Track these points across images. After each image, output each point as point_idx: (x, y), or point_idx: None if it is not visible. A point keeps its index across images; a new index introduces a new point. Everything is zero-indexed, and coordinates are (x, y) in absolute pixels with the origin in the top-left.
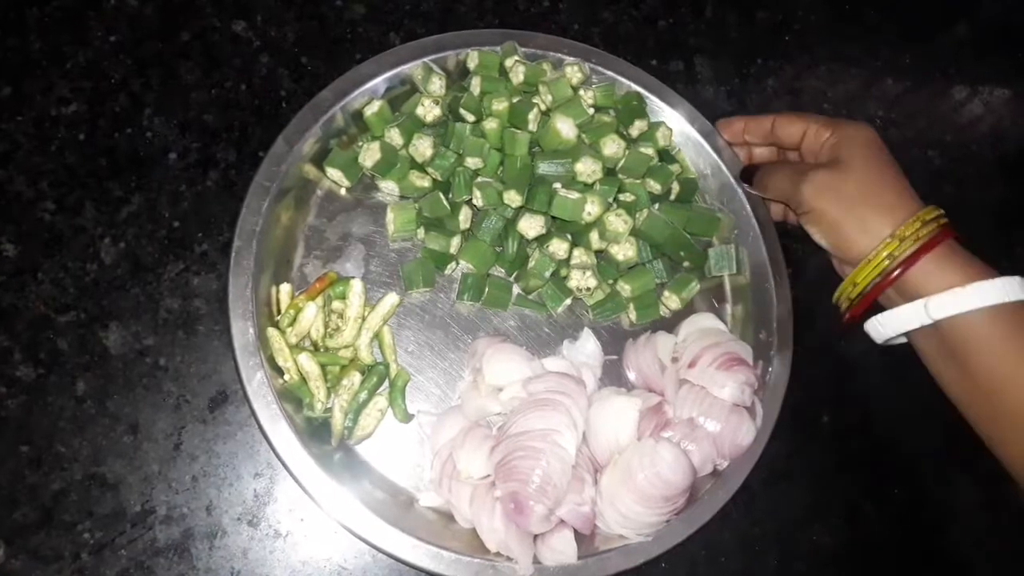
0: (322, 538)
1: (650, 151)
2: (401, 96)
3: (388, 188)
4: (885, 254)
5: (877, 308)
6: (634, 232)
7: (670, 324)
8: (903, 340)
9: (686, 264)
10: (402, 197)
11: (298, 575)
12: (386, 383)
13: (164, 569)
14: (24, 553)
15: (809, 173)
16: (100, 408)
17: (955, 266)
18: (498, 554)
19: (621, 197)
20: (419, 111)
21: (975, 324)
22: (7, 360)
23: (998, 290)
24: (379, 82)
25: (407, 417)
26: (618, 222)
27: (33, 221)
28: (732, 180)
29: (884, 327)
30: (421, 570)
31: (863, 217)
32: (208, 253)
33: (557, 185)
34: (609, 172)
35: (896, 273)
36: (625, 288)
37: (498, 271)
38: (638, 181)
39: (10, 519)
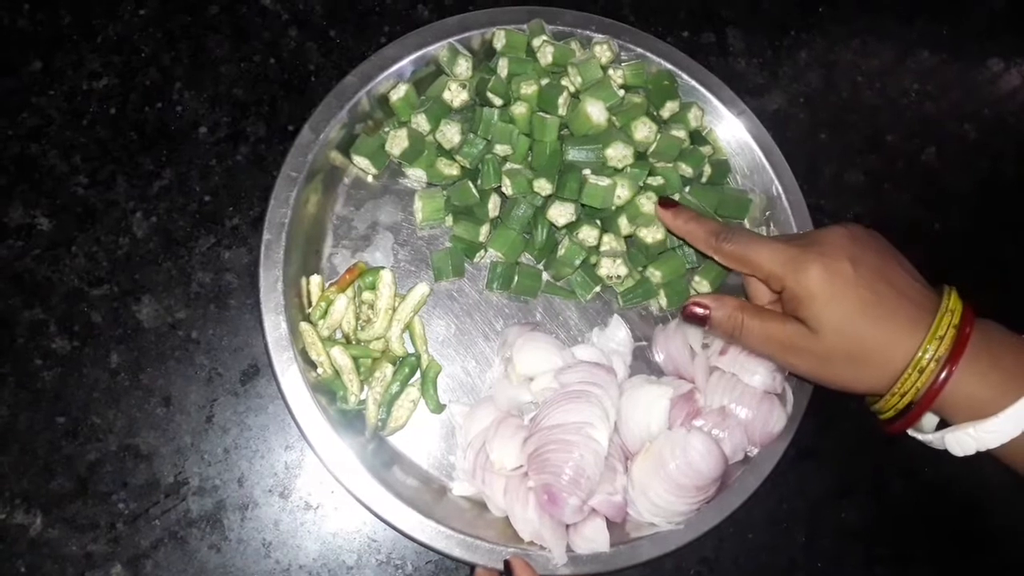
0: (352, 510)
1: (682, 134)
2: (427, 78)
3: (416, 175)
4: (928, 356)
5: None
6: None
7: None
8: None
9: None
10: (430, 184)
11: (328, 546)
12: (418, 374)
13: (197, 539)
14: (60, 522)
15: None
16: (134, 380)
17: (997, 369)
18: (532, 543)
19: (651, 180)
20: (446, 95)
21: None
22: (43, 332)
23: None
24: (404, 65)
25: (439, 408)
26: (649, 205)
27: (66, 195)
28: (763, 159)
29: (965, 446)
30: (457, 560)
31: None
32: (239, 227)
33: (587, 171)
34: (640, 156)
35: (944, 376)
36: (655, 274)
37: (526, 258)
38: (670, 165)
39: (47, 489)
